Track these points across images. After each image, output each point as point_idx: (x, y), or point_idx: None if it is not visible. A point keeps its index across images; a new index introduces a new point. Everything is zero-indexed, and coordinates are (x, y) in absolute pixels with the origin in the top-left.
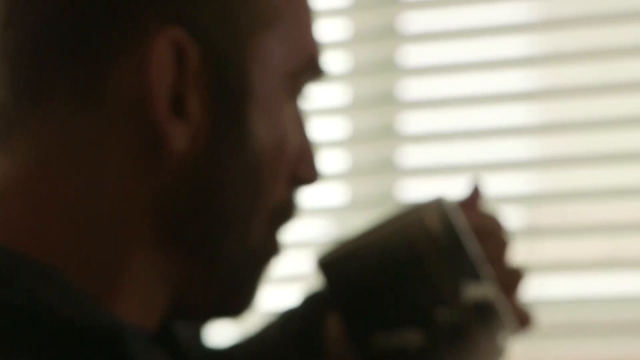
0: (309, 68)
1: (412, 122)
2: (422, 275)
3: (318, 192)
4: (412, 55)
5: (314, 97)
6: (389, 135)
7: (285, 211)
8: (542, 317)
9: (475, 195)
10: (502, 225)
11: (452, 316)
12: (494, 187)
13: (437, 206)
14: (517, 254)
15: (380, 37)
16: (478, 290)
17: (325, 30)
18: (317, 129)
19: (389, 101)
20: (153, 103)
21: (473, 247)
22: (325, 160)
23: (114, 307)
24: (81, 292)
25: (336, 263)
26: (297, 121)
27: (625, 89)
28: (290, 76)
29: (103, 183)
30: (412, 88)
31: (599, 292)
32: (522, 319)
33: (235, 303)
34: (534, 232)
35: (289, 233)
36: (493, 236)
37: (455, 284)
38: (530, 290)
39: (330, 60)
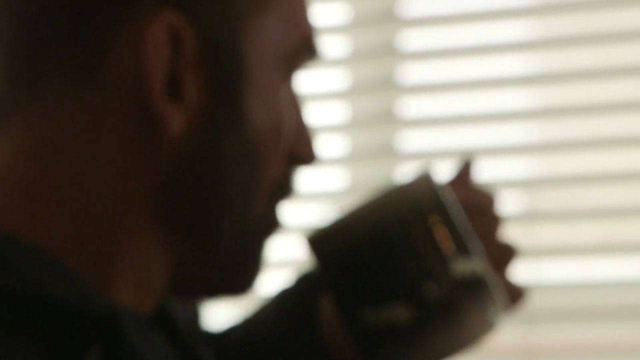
0: (304, 49)
1: (411, 106)
2: (410, 250)
3: (317, 176)
4: (412, 39)
5: (314, 81)
6: (389, 120)
7: (283, 188)
8: (540, 301)
9: (466, 172)
10: (494, 202)
11: (440, 291)
12: (494, 171)
13: (426, 182)
14: (516, 238)
15: (379, 22)
16: (467, 265)
17: (324, 14)
18: (316, 114)
19: (389, 86)
20: (149, 86)
21: (462, 222)
22: (325, 145)
23: (110, 289)
24: (77, 275)
25: (325, 239)
26: (293, 102)
27: (624, 73)
28: (285, 58)
29: (99, 166)
30: (412, 72)
31: (597, 276)
32: (514, 296)
33: (239, 280)
34: (533, 216)
35: (289, 218)
36: (485, 212)
37: (443, 258)
38: (529, 275)
39: (330, 45)
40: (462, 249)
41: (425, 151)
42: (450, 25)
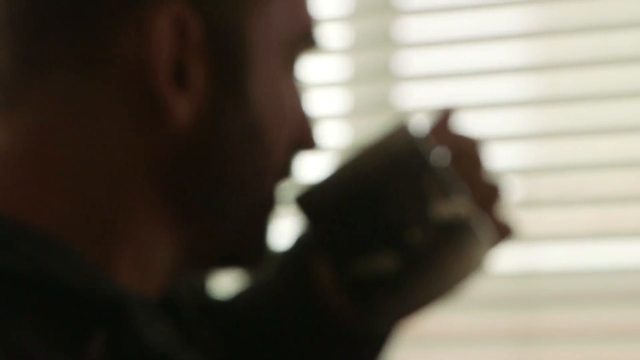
0: (304, 39)
1: (410, 95)
2: (391, 198)
3: (320, 164)
4: (411, 29)
5: (315, 70)
6: (388, 107)
7: (284, 173)
8: (537, 287)
9: (445, 118)
10: (477, 144)
11: (424, 236)
12: (492, 157)
13: (404, 131)
14: (514, 224)
15: (378, 11)
16: (449, 209)
17: (325, 4)
18: (317, 102)
19: (388, 74)
20: (154, 75)
21: (442, 166)
22: (327, 133)
23: (116, 271)
24: (83, 259)
25: (311, 196)
26: (294, 90)
27: (622, 61)
28: (287, 47)
29: (104, 150)
30: (410, 62)
31: (595, 262)
32: (502, 233)
33: (247, 255)
34: (531, 203)
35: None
36: (467, 155)
37: (423, 203)
38: (527, 261)
39: (331, 34)
40: (443, 193)
41: None
42: (447, 15)
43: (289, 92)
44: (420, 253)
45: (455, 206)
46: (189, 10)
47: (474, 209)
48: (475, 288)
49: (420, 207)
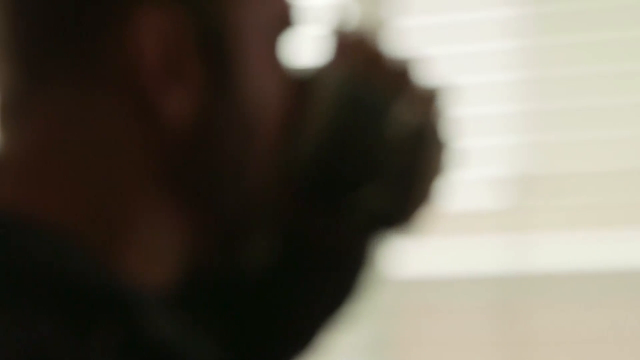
0: (283, 21)
1: None
2: (349, 144)
3: None
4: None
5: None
6: None
7: (276, 158)
8: (528, 288)
9: (343, 39)
10: (370, 39)
11: (395, 158)
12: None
13: (318, 81)
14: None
15: (371, 23)
16: (399, 122)
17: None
18: None
19: None
20: (147, 72)
21: (368, 88)
22: None
23: (125, 264)
24: (90, 253)
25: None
26: (281, 74)
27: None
28: (268, 32)
29: (106, 148)
30: None
31: (583, 264)
32: (428, 101)
33: (245, 243)
34: (523, 206)
35: None
36: (369, 54)
37: (377, 133)
38: (524, 260)
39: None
40: (384, 111)
41: None
42: (443, 23)
43: (276, 78)
44: (400, 173)
45: (401, 115)
46: (178, 8)
47: (411, 103)
48: (469, 292)
49: (376, 137)
